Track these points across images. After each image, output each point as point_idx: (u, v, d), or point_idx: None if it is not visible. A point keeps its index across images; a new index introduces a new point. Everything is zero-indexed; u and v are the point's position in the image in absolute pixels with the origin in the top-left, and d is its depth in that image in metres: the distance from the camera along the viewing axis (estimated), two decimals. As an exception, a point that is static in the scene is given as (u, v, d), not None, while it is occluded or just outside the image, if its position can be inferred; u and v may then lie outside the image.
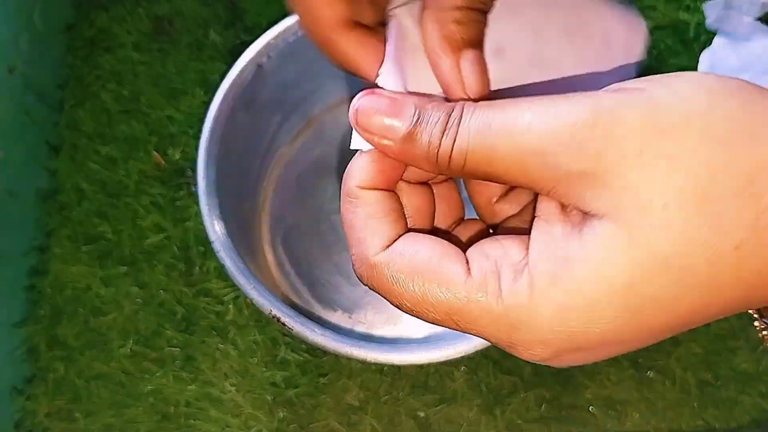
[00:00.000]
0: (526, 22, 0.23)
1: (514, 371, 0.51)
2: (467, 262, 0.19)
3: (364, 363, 0.51)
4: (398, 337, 0.51)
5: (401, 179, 0.22)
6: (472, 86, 0.21)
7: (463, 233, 0.23)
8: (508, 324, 0.18)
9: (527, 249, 0.19)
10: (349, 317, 0.52)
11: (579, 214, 0.18)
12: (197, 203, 0.54)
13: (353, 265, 0.21)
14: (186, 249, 0.55)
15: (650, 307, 0.17)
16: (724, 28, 0.57)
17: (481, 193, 0.23)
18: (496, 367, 0.51)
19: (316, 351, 0.52)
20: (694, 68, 0.57)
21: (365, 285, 0.20)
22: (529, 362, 0.50)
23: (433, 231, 0.23)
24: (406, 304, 0.19)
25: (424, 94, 0.21)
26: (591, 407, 0.50)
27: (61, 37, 0.62)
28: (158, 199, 0.56)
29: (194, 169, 0.55)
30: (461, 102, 0.19)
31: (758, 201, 0.16)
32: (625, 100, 0.17)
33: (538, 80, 0.23)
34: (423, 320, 0.20)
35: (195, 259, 0.54)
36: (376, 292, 0.20)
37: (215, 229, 0.44)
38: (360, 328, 0.51)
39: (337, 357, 0.51)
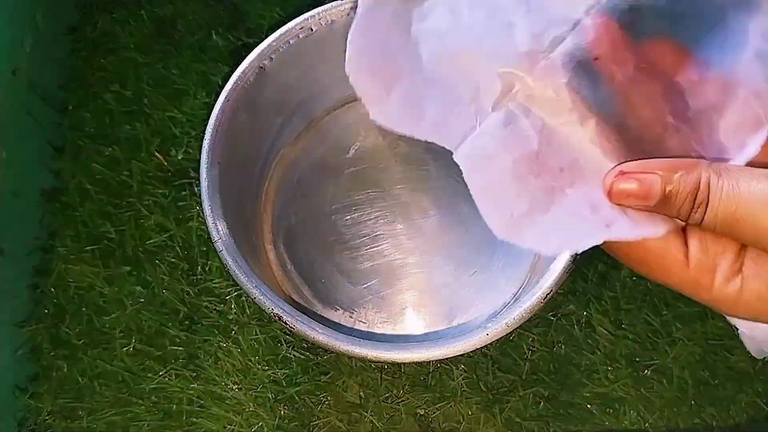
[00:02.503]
0: None
1: (512, 370, 0.51)
2: (686, 249, 0.24)
3: (365, 361, 0.51)
4: (398, 335, 0.52)
5: None
6: None
7: None
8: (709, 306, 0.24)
9: (742, 262, 0.23)
10: (350, 316, 0.52)
11: None
12: (200, 203, 0.55)
13: None
14: (189, 249, 0.55)
15: None
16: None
17: None
18: (495, 366, 0.51)
19: (317, 349, 0.52)
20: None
21: None
22: (527, 361, 0.50)
23: None
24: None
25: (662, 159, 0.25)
26: (589, 405, 0.50)
27: (65, 38, 0.62)
28: (161, 200, 0.56)
29: (197, 170, 0.56)
30: (705, 179, 0.23)
31: None
32: None
33: None
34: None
35: (197, 258, 0.55)
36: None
37: (218, 229, 0.44)
38: (360, 327, 0.52)
39: (337, 355, 0.52)
